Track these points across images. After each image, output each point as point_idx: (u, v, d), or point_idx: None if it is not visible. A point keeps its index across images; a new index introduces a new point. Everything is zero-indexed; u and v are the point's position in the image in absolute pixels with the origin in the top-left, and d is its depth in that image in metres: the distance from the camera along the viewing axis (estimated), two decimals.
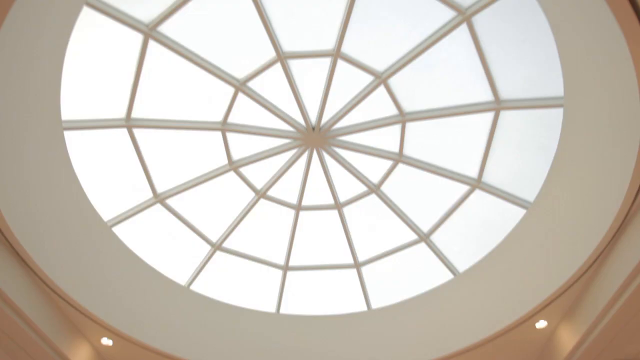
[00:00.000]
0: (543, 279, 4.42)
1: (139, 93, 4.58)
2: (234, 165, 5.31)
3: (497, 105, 4.69)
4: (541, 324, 4.65)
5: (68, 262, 4.33)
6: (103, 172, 5.10)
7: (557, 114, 4.29)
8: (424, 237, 5.77)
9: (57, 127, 4.10)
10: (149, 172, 5.16)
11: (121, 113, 4.69)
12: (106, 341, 4.86)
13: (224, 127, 5.00)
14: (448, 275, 5.73)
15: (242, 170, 5.40)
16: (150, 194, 5.27)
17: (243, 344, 5.47)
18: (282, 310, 5.99)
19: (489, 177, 5.28)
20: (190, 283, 5.77)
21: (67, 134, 4.30)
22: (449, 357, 5.01)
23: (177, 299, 5.45)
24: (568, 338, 4.56)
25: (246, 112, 5.03)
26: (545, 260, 4.47)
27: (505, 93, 4.67)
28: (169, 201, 5.42)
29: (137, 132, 4.88)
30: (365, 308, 5.99)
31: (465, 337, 4.90)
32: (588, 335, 4.28)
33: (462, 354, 4.97)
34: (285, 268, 6.00)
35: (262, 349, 5.48)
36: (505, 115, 4.82)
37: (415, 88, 4.92)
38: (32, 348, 4.23)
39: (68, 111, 4.23)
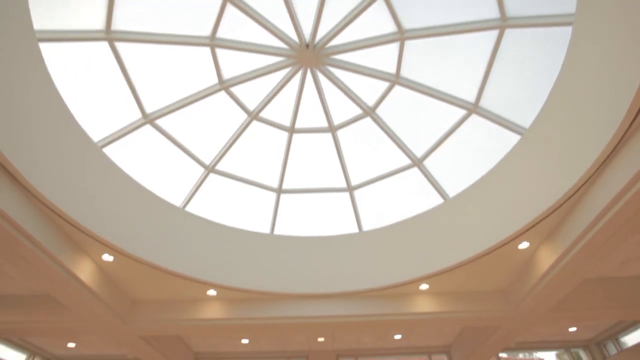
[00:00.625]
0: (528, 203, 4.53)
1: (118, 1, 4.22)
2: (224, 85, 5.10)
3: (503, 23, 4.41)
4: (523, 245, 4.89)
5: (63, 182, 4.31)
6: (88, 91, 4.88)
7: (562, 37, 4.07)
8: (417, 162, 5.80)
9: (30, 37, 3.81)
10: (137, 91, 4.95)
11: (100, 24, 4.36)
12: (107, 257, 5.05)
13: (213, 42, 4.70)
14: (439, 200, 5.88)
15: (234, 90, 5.21)
16: (139, 114, 5.12)
17: (239, 262, 5.74)
18: (277, 231, 6.21)
19: (486, 102, 5.16)
20: (186, 204, 5.88)
21: (45, 48, 4.02)
22: (435, 275, 5.34)
23: (173, 219, 5.59)
24: (546, 258, 4.83)
25: (237, 27, 4.70)
26: (532, 185, 4.55)
27: (513, 10, 4.38)
28: (159, 122, 5.29)
29: (120, 46, 4.58)
30: (357, 230, 6.21)
31: (452, 257, 5.17)
32: (564, 256, 4.55)
33: (447, 272, 5.30)
34: (279, 191, 6.09)
35: (257, 266, 5.77)
36: (509, 35, 4.56)
37: (417, 2, 4.57)
38: (40, 264, 4.41)
39: (40, 20, 3.91)
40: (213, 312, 5.82)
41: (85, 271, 4.96)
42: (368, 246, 5.91)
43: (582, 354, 8.61)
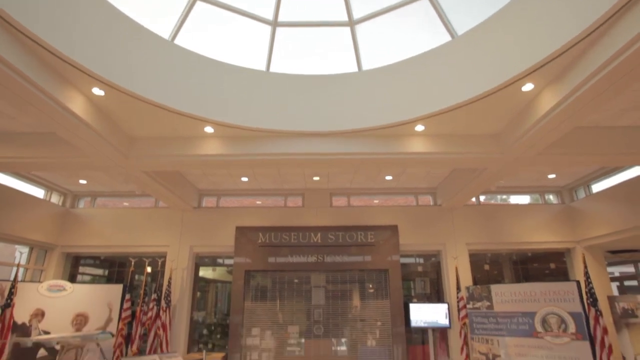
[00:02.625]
0: (538, 44, 4.25)
1: None
2: None
3: None
4: (528, 86, 4.76)
5: (46, 14, 3.91)
6: None
7: None
8: None
9: None
10: None
11: None
12: (97, 91, 4.91)
13: None
14: (445, 38, 5.45)
15: None
16: None
17: (234, 99, 5.63)
18: (272, 69, 5.91)
19: None
20: (174, 37, 5.42)
21: None
22: (433, 115, 5.33)
23: (162, 52, 5.22)
24: (547, 101, 4.77)
25: None
26: (543, 26, 4.19)
27: None
28: None
29: None
30: (356, 69, 5.93)
31: (453, 97, 5.08)
32: (566, 99, 4.50)
33: (445, 113, 5.29)
34: (274, 24, 5.56)
35: (252, 104, 5.69)
36: None
37: None
38: (33, 99, 4.33)
39: None
40: (211, 148, 6.00)
41: (78, 105, 4.88)
42: (367, 86, 5.74)
43: (553, 197, 9.45)
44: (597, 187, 8.60)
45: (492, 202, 9.78)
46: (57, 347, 7.44)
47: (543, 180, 8.86)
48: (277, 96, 5.73)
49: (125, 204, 9.68)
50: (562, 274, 8.95)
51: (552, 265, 9.21)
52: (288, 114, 5.73)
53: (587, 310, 6.29)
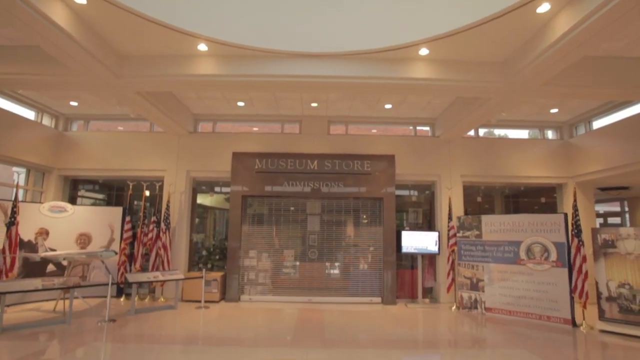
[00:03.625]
0: None
1: None
2: None
3: None
4: (544, 7, 4.44)
5: None
6: None
7: None
8: None
9: None
10: None
11: None
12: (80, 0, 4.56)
13: None
14: None
15: None
16: None
17: (229, 15, 5.26)
18: None
19: None
20: None
21: None
22: (439, 38, 5.05)
23: None
24: (562, 24, 4.50)
25: None
26: None
27: None
28: None
29: None
30: None
31: (462, 19, 4.76)
32: (582, 22, 4.23)
33: (452, 35, 4.99)
34: None
35: (246, 22, 5.33)
36: None
37: None
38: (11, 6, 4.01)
39: None
40: (205, 68, 5.74)
41: (59, 15, 4.55)
42: (369, 5, 5.33)
43: (552, 133, 9.38)
44: (597, 124, 8.50)
45: (490, 137, 9.72)
46: (64, 262, 7.80)
47: (544, 115, 8.72)
48: (274, 15, 5.35)
49: (120, 128, 9.53)
50: (550, 209, 9.20)
51: (543, 200, 9.44)
52: (285, 33, 5.40)
53: (570, 241, 6.57)
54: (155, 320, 6.39)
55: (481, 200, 9.51)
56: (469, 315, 7.17)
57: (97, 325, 5.91)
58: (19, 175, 8.55)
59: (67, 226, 7.94)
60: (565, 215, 6.82)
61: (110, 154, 8.72)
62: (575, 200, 6.69)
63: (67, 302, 6.31)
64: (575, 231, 6.46)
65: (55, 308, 6.84)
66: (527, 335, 5.83)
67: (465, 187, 8.82)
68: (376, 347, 5.12)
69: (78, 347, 4.86)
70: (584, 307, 6.27)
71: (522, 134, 9.72)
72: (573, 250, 6.42)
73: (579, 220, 6.54)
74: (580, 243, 6.38)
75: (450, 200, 8.17)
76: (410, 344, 5.39)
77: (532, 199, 9.91)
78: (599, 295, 6.20)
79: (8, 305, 6.48)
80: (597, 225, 9.80)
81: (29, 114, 8.43)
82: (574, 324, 6.32)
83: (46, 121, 8.79)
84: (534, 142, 9.17)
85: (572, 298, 6.43)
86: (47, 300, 7.33)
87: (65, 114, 9.05)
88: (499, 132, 9.74)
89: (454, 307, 7.64)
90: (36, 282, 5.88)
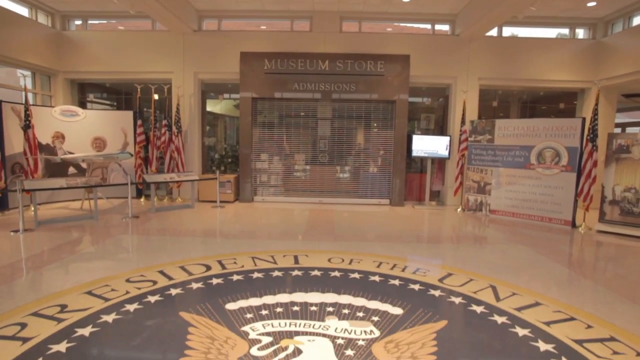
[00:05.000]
0: None
1: None
2: None
3: None
4: None
5: None
6: None
7: None
8: None
9: None
10: None
11: None
12: None
13: None
14: None
15: None
16: None
17: None
18: None
19: None
20: None
21: None
22: None
23: None
24: None
25: None
26: None
27: None
28: None
29: None
30: None
31: None
32: None
33: None
34: None
35: None
36: None
37: None
38: None
39: None
40: None
41: None
42: None
43: (584, 32, 8.63)
44: (639, 21, 7.73)
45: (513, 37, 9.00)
46: (84, 165, 8.10)
47: (579, 10, 7.93)
48: None
49: (121, 27, 9.02)
50: (568, 116, 8.91)
51: (562, 106, 9.09)
52: None
53: (584, 146, 6.48)
54: (175, 217, 6.82)
55: (497, 106, 9.21)
56: (473, 217, 7.49)
57: (122, 220, 6.36)
58: (25, 78, 8.40)
59: (81, 130, 8.05)
60: (583, 119, 6.62)
61: (114, 55, 8.40)
62: (596, 105, 6.42)
63: (92, 202, 6.70)
64: (591, 136, 6.33)
65: (82, 206, 7.30)
66: (526, 234, 6.13)
67: (481, 91, 8.47)
68: (382, 241, 5.47)
69: (107, 238, 5.30)
70: (587, 209, 6.45)
71: (550, 33, 8.96)
72: (585, 155, 6.37)
73: (596, 125, 6.36)
74: (594, 148, 6.30)
75: (464, 104, 7.93)
76: (414, 238, 5.74)
77: (550, 105, 9.55)
78: (602, 199, 6.32)
79: (38, 204, 6.93)
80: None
81: (22, 10, 7.95)
82: (573, 224, 6.58)
83: (41, 19, 8.32)
84: (561, 42, 8.50)
85: (575, 201, 6.58)
86: (72, 200, 7.79)
87: (61, 11, 8.51)
88: (523, 34, 8.98)
89: (459, 209, 7.94)
90: (61, 182, 6.18)
